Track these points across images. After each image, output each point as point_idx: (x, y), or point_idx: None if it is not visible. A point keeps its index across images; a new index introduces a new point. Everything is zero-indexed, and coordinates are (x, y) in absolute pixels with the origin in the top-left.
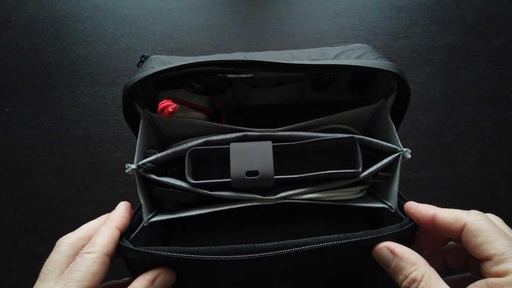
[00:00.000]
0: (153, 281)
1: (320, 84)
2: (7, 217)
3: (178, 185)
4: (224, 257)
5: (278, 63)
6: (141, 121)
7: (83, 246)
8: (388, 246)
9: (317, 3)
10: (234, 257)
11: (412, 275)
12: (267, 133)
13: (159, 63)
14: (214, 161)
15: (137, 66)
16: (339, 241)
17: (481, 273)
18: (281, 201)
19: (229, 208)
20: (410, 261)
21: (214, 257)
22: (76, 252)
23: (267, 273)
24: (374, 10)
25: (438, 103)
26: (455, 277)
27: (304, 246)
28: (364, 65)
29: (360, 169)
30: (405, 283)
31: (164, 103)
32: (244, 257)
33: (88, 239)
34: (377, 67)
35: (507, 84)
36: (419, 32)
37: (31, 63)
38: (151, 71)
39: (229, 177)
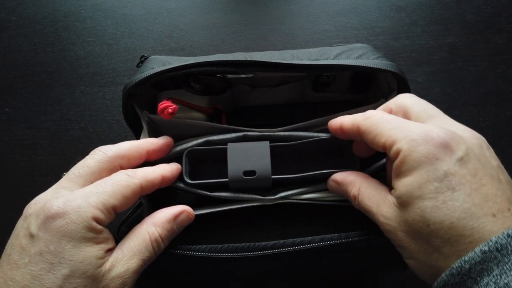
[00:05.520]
0: (176, 217)
1: (320, 84)
2: (7, 217)
3: (177, 186)
4: (224, 255)
5: (278, 63)
6: (143, 126)
7: (120, 166)
8: (332, 179)
9: (317, 3)
10: (234, 255)
11: (351, 194)
12: (267, 133)
13: (159, 63)
14: (212, 162)
15: (137, 66)
16: (339, 240)
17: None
18: (280, 201)
19: (228, 208)
20: (348, 182)
21: (214, 255)
22: (112, 169)
23: (267, 272)
24: (374, 10)
25: (438, 103)
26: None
27: (305, 245)
28: (364, 65)
29: (357, 169)
30: (352, 202)
31: (164, 104)
32: (244, 255)
33: (127, 160)
34: (377, 67)
35: (507, 84)
36: (419, 32)
37: (30, 63)
38: (151, 71)
39: (227, 177)
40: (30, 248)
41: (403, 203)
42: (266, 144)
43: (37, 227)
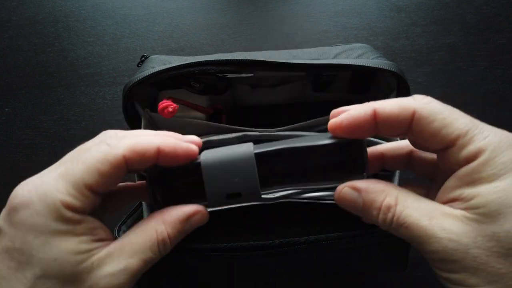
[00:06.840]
0: (190, 217)
1: (320, 84)
2: None
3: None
4: (224, 254)
5: (278, 62)
6: (142, 122)
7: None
8: (348, 185)
9: (317, 3)
10: (234, 254)
11: (384, 203)
12: (267, 133)
13: (159, 63)
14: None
15: (137, 66)
16: (339, 239)
17: (447, 168)
18: (281, 200)
19: (228, 208)
20: (377, 190)
21: (214, 254)
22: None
23: (267, 272)
24: (374, 10)
25: None
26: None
27: (305, 245)
28: (364, 65)
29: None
30: (381, 215)
31: (164, 103)
32: (244, 254)
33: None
34: (377, 66)
35: (507, 84)
36: (419, 32)
37: (30, 63)
38: (151, 70)
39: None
40: None
41: (491, 214)
42: (250, 156)
43: (2, 220)
